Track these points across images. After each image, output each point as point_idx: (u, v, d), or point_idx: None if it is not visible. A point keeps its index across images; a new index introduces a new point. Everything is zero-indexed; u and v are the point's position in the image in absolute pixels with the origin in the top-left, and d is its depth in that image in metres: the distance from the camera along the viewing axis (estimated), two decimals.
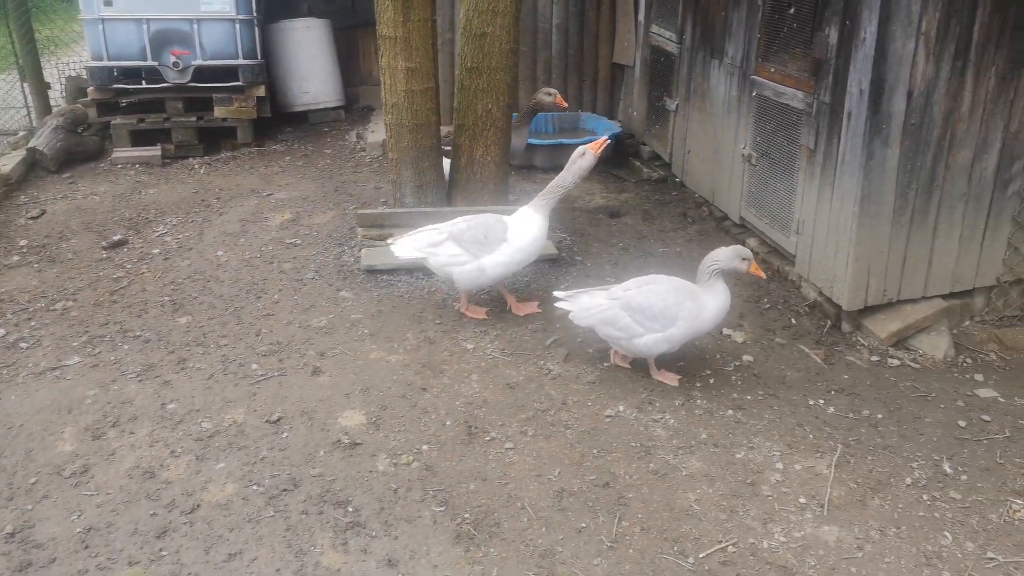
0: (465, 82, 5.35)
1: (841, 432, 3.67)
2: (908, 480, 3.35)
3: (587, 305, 3.97)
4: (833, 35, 4.24)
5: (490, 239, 4.35)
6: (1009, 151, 4.23)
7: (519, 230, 4.40)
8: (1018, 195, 4.34)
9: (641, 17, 7.25)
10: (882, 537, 3.03)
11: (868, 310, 4.50)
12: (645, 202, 6.48)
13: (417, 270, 5.08)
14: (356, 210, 5.73)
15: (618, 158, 7.48)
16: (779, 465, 3.45)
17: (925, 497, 3.25)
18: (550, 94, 6.09)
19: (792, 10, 4.68)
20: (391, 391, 3.94)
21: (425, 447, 3.55)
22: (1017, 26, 3.94)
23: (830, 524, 3.10)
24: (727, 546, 3.00)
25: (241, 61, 7.63)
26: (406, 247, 4.51)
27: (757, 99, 5.18)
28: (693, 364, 4.21)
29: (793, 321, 4.67)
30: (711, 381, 4.07)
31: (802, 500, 3.23)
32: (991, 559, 2.92)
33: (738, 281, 5.17)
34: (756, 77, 5.17)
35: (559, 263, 5.31)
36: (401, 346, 4.33)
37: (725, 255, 3.81)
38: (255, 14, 7.75)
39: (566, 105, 6.26)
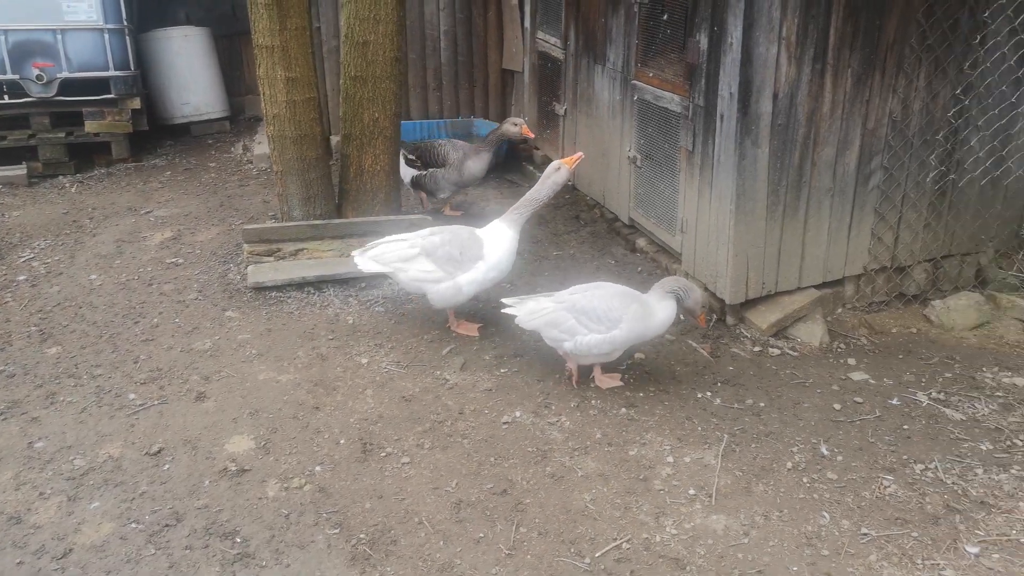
0: (350, 91, 5.26)
1: (727, 422, 3.81)
2: (789, 464, 3.51)
3: (533, 309, 3.98)
4: (704, 41, 4.41)
5: (466, 256, 4.22)
6: (868, 147, 4.51)
7: (493, 246, 4.27)
8: (879, 189, 4.63)
9: (527, 23, 7.34)
10: (766, 522, 3.16)
11: (749, 303, 4.70)
12: (541, 207, 6.54)
13: (308, 285, 4.95)
14: (242, 225, 5.52)
15: (511, 163, 7.53)
16: (670, 459, 3.54)
17: (805, 480, 3.42)
18: (516, 124, 5.87)
19: (666, 17, 4.84)
20: (282, 412, 3.81)
21: (318, 468, 3.45)
22: (868, 30, 4.21)
23: (718, 513, 3.21)
24: (621, 543, 3.06)
25: (113, 72, 7.24)
26: (369, 262, 4.35)
27: (638, 103, 5.33)
28: (587, 366, 4.28)
29: (681, 317, 4.81)
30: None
31: (692, 491, 3.33)
32: (865, 534, 3.09)
33: (629, 280, 5.30)
34: (636, 82, 5.32)
35: None
36: (292, 365, 4.20)
37: (695, 296, 3.92)
38: (126, 23, 7.36)
39: (532, 135, 6.10)
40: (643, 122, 5.33)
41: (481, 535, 3.10)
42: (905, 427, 3.77)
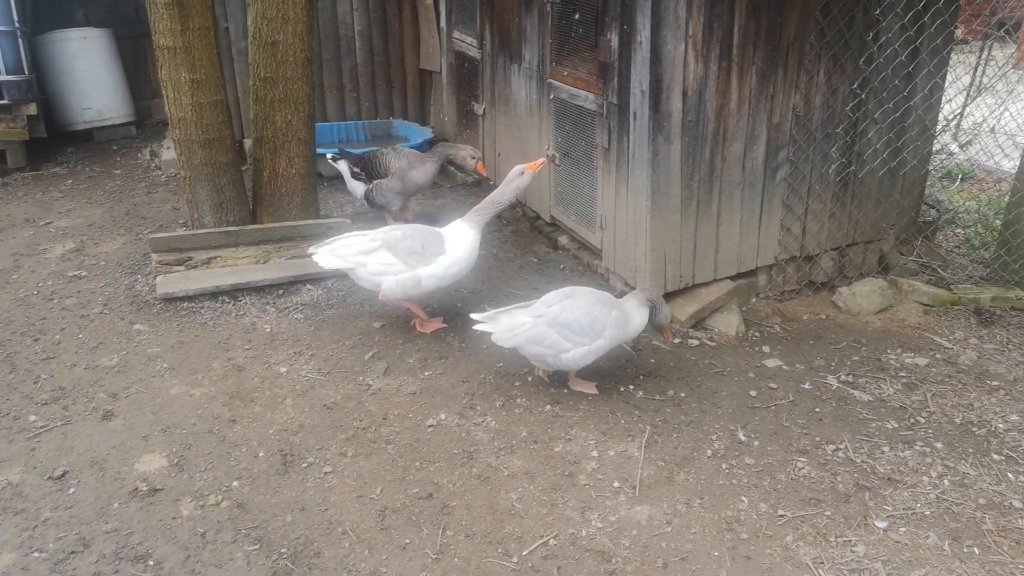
0: (260, 93, 5.11)
1: (649, 414, 3.88)
2: (709, 452, 3.60)
3: (510, 325, 3.81)
4: (615, 40, 4.47)
5: (427, 250, 4.25)
6: (774, 142, 4.66)
7: (455, 243, 4.29)
8: (786, 181, 4.80)
9: (443, 23, 7.30)
10: (688, 510, 3.23)
11: (668, 296, 4.78)
12: (461, 206, 6.51)
13: (222, 294, 4.78)
14: (150, 234, 5.30)
15: None
16: (595, 453, 3.58)
17: (724, 466, 3.51)
18: (474, 157, 5.61)
19: (577, 16, 4.89)
20: (196, 428, 3.67)
21: (235, 483, 3.34)
22: (770, 28, 4.35)
23: (642, 504, 3.26)
24: (548, 540, 3.07)
25: (5, 77, 6.85)
26: (328, 257, 4.29)
27: (555, 102, 5.37)
28: (513, 363, 4.28)
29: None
30: (529, 379, 4.16)
31: (616, 484, 3.38)
32: (781, 516, 3.19)
33: (552, 277, 5.34)
34: (552, 80, 5.35)
35: None
36: (206, 377, 4.05)
37: (664, 315, 4.00)
38: (18, 24, 6.97)
39: (485, 174, 5.96)
40: (560, 120, 5.37)
41: (407, 541, 3.06)
42: (817, 410, 3.92)
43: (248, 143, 6.80)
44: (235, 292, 4.81)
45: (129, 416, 3.73)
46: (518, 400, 3.97)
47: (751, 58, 4.37)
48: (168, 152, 7.29)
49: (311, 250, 4.40)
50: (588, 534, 3.10)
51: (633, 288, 4.83)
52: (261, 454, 3.52)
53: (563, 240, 5.72)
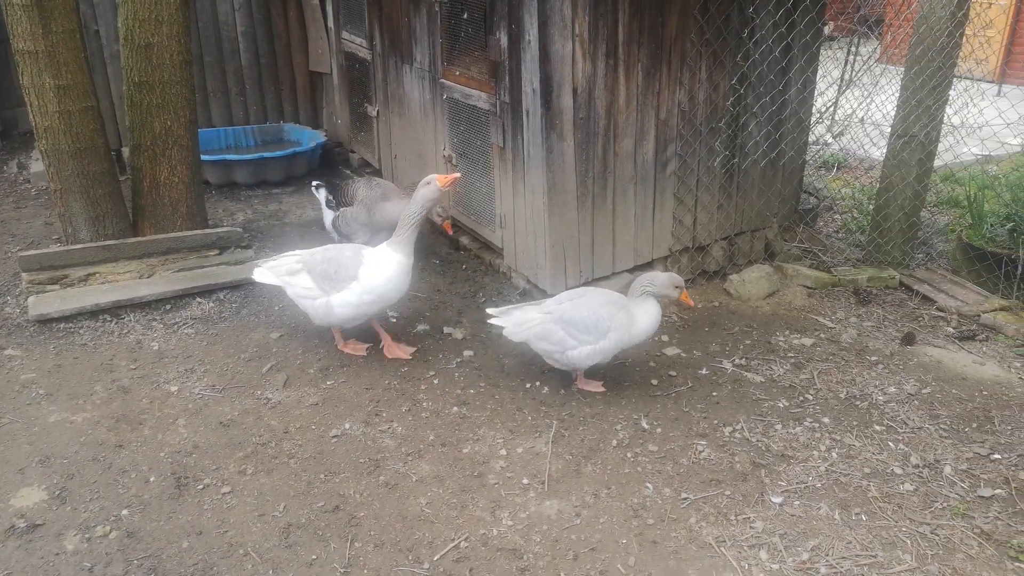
0: (135, 98, 4.84)
1: (555, 409, 3.91)
2: (614, 442, 3.66)
3: (520, 320, 3.88)
4: (504, 39, 4.49)
5: (340, 275, 3.97)
6: (663, 137, 4.81)
7: (373, 268, 3.98)
8: (675, 175, 4.96)
9: (331, 23, 7.14)
10: (596, 500, 3.28)
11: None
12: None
13: (103, 312, 4.50)
14: (20, 252, 4.92)
15: (328, 168, 7.32)
16: (503, 452, 3.58)
17: (629, 455, 3.58)
18: (441, 216, 4.88)
19: (466, 16, 4.88)
20: (78, 456, 3.43)
21: (125, 512, 3.14)
22: (652, 27, 4.48)
23: (551, 498, 3.29)
24: (460, 542, 3.04)
25: None
26: (264, 273, 4.20)
27: (448, 102, 5.34)
28: (417, 367, 4.23)
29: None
30: (435, 382, 4.12)
31: (525, 481, 3.39)
32: (685, 499, 3.29)
33: (455, 278, 5.32)
34: (445, 81, 5.32)
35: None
36: (88, 402, 3.80)
37: (660, 281, 3.83)
38: None
39: (452, 233, 5.37)
40: (455, 121, 5.35)
41: (314, 557, 2.96)
42: (714, 394, 4.06)
43: (126, 152, 6.45)
44: (117, 310, 4.53)
45: (2, 448, 3.45)
46: (424, 404, 3.92)
47: (636, 56, 4.49)
48: (37, 164, 6.80)
49: (256, 263, 4.30)
50: (499, 533, 3.10)
51: (536, 286, 4.87)
52: (152, 479, 3.33)
53: (465, 240, 5.71)
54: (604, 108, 4.48)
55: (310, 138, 7.26)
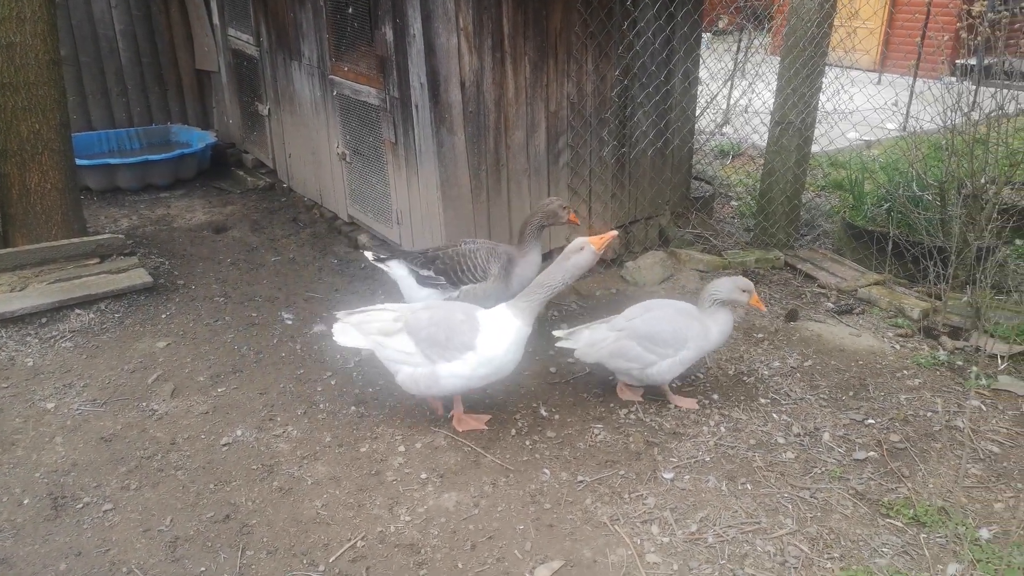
0: (0, 101, 4.55)
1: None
2: (513, 431, 3.69)
3: (592, 340, 3.68)
4: (389, 33, 4.45)
5: (452, 343, 3.38)
6: (554, 129, 4.88)
7: (492, 337, 3.39)
8: (568, 166, 5.04)
9: (216, 20, 6.90)
10: (494, 489, 3.30)
11: None
12: (253, 212, 6.22)
13: None
14: None
15: (220, 169, 7.08)
16: (401, 448, 3.56)
17: (527, 443, 3.62)
18: (564, 208, 4.25)
19: (351, 10, 4.81)
20: None
21: None
22: (537, 20, 4.53)
23: (449, 491, 3.29)
24: (356, 542, 3.00)
25: None
26: (347, 331, 3.59)
27: (339, 98, 5.25)
28: (312, 369, 4.15)
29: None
30: (332, 382, 4.05)
31: (424, 476, 3.38)
32: (581, 481, 3.35)
33: (354, 276, 5.24)
34: (334, 77, 5.23)
35: (157, 292, 4.84)
36: None
37: (725, 287, 3.69)
38: None
39: (578, 222, 4.48)
40: (346, 117, 5.27)
41: (203, 569, 2.86)
42: (611, 378, 4.14)
43: None
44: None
45: None
46: (321, 405, 3.85)
47: (523, 49, 4.53)
48: None
49: (336, 315, 3.65)
50: (397, 529, 3.07)
51: None
52: (26, 501, 3.14)
53: (363, 238, 5.63)
54: (493, 101, 4.50)
55: (199, 139, 7.00)
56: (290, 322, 4.63)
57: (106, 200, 6.27)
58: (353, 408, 3.84)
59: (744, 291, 3.70)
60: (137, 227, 5.75)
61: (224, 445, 3.53)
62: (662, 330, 3.63)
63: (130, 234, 5.56)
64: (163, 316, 4.58)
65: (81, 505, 3.15)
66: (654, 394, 3.94)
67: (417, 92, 4.37)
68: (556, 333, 3.84)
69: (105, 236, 4.94)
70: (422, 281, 4.15)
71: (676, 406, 3.87)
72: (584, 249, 3.36)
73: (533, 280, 3.57)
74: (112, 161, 6.32)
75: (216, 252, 5.44)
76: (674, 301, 3.84)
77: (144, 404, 3.79)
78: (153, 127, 7.31)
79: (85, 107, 6.96)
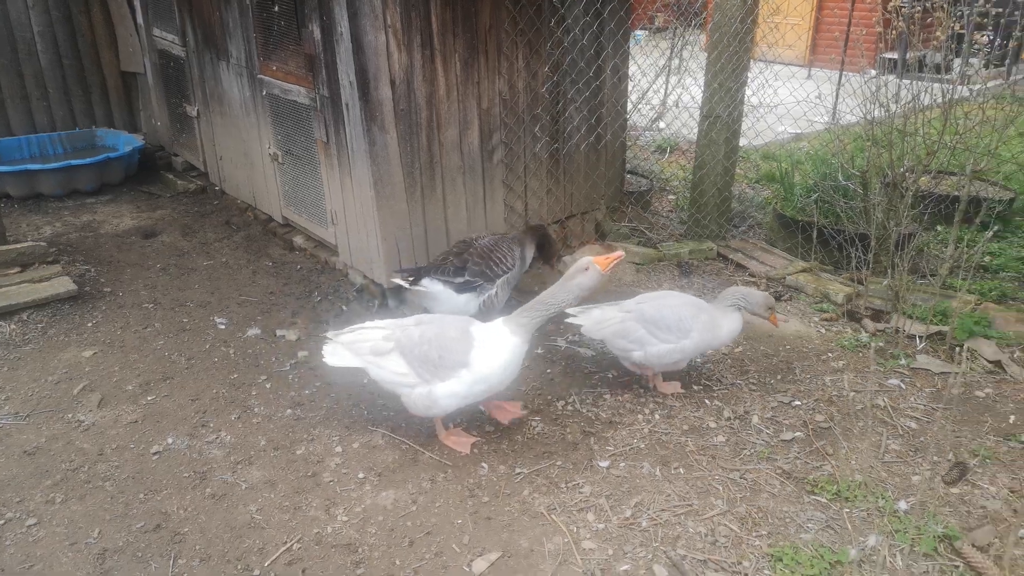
0: None
1: (393, 400, 3.89)
2: (452, 427, 3.70)
3: (599, 318, 3.80)
4: (317, 31, 4.41)
5: (445, 361, 3.28)
6: (487, 126, 4.89)
7: (486, 353, 3.29)
8: (503, 163, 5.06)
9: (140, 20, 6.72)
10: (432, 485, 3.31)
11: None
12: (184, 216, 6.08)
13: None
14: None
15: (148, 173, 6.89)
16: (339, 449, 3.53)
17: None
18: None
19: (277, 8, 4.74)
20: None
21: None
22: (466, 17, 4.54)
23: (387, 489, 3.28)
24: (292, 544, 2.98)
25: None
26: (338, 352, 3.47)
27: (268, 98, 5.18)
28: (247, 372, 4.09)
29: (344, 308, 4.83)
30: (267, 386, 4.00)
31: (361, 475, 3.36)
32: (519, 473, 3.38)
33: (289, 278, 5.18)
34: (263, 76, 5.15)
35: (83, 300, 4.69)
36: None
37: (756, 300, 3.81)
38: None
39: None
40: (277, 117, 5.20)
41: None
42: (548, 371, 4.20)
43: None
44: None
45: None
46: (256, 409, 3.80)
47: (453, 46, 4.54)
48: None
49: (326, 335, 3.58)
50: (334, 530, 3.06)
51: (373, 281, 4.83)
52: None
53: (299, 240, 5.56)
54: (425, 99, 4.50)
55: (126, 143, 6.80)
56: (223, 327, 4.55)
57: (28, 207, 6.04)
58: (289, 411, 3.79)
59: (769, 308, 3.87)
60: (61, 234, 5.56)
61: (154, 454, 3.45)
62: (667, 316, 3.74)
63: (53, 242, 5.38)
64: (89, 325, 4.44)
65: (3, 521, 3.04)
66: (698, 389, 4.01)
67: (347, 90, 4.33)
68: (568, 310, 3.81)
69: (26, 244, 4.77)
70: (461, 288, 4.23)
71: (658, 391, 3.97)
72: (589, 270, 3.26)
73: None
74: (33, 167, 6.09)
75: (145, 258, 5.30)
76: (685, 295, 3.95)
77: (70, 415, 3.68)
78: (77, 131, 7.07)
79: (3, 112, 6.70)
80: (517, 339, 3.31)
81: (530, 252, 4.68)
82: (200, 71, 6.02)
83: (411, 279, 4.23)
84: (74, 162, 6.23)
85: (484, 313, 4.31)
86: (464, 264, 4.24)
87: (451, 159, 4.77)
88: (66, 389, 3.86)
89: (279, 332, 4.49)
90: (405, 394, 3.40)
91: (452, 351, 3.28)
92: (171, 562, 2.88)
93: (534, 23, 4.83)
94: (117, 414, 3.71)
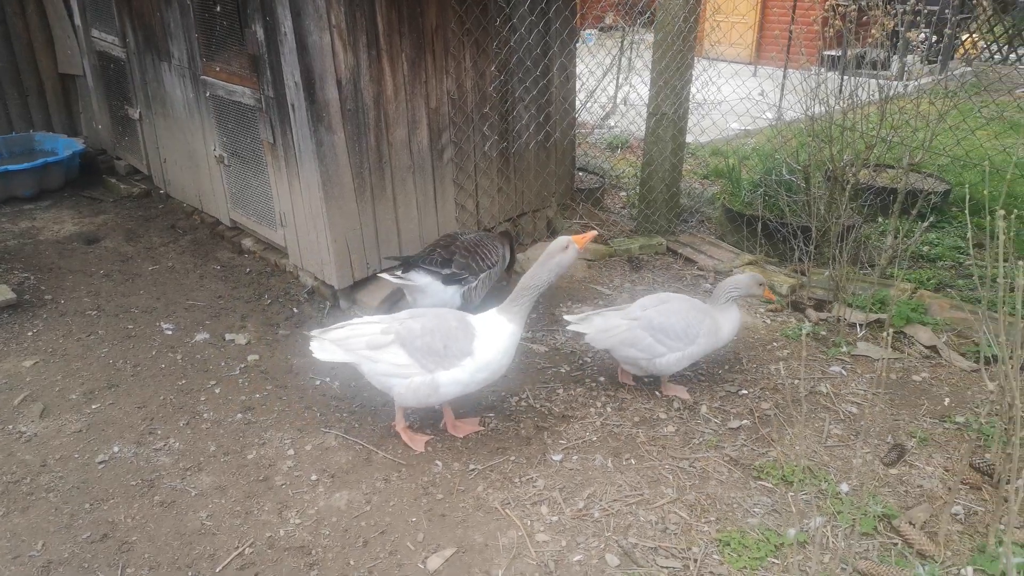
0: None
1: (347, 402, 3.89)
2: (406, 425, 3.71)
3: (603, 327, 3.74)
4: (260, 31, 4.35)
5: (451, 350, 3.35)
6: (436, 125, 4.90)
7: (487, 341, 3.39)
8: (453, 162, 5.07)
9: (78, 21, 6.54)
10: (386, 485, 3.31)
11: (359, 284, 4.83)
12: (128, 221, 5.95)
13: None
14: None
15: (91, 177, 6.72)
16: (291, 451, 3.50)
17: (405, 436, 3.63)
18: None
19: (219, 8, 4.67)
20: None
21: None
22: (412, 17, 4.54)
23: (341, 490, 3.27)
24: (244, 549, 2.95)
25: None
26: (329, 347, 3.44)
27: (212, 99, 5.09)
28: (196, 378, 4.03)
29: (295, 310, 4.79)
30: (217, 391, 3.94)
31: (314, 477, 3.34)
32: (473, 469, 3.40)
33: (238, 282, 5.11)
34: (206, 77, 5.07)
35: (22, 308, 4.56)
36: None
37: (744, 283, 3.85)
38: None
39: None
40: (222, 119, 5.12)
41: None
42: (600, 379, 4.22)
43: None
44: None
45: None
46: (205, 415, 3.74)
47: (399, 46, 4.53)
48: None
49: (310, 334, 3.53)
50: (286, 533, 3.03)
51: (323, 281, 4.80)
52: None
53: (248, 243, 5.49)
54: (372, 98, 4.48)
55: (66, 146, 6.61)
56: (170, 332, 4.47)
57: None
58: (240, 415, 3.75)
59: (760, 284, 3.90)
60: None
61: (100, 463, 3.38)
62: (675, 324, 3.71)
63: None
64: (29, 334, 4.33)
65: None
66: (649, 382, 4.06)
67: (292, 91, 4.29)
68: (567, 317, 3.91)
69: None
70: (447, 280, 4.31)
71: (664, 394, 3.94)
72: (568, 248, 3.37)
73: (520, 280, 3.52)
74: None
75: (87, 264, 5.17)
76: (685, 296, 3.93)
77: (10, 427, 3.58)
78: (14, 136, 6.85)
79: None
80: (513, 326, 3.44)
81: (507, 254, 4.79)
82: (142, 73, 5.89)
83: (399, 274, 4.29)
84: (11, 167, 6.04)
85: (463, 307, 4.37)
86: (451, 256, 4.33)
87: (400, 159, 4.76)
88: (5, 400, 3.76)
89: (228, 336, 4.43)
90: (402, 385, 3.40)
91: (457, 339, 3.37)
92: (119, 572, 2.83)
93: (480, 22, 4.85)
94: (60, 424, 3.62)
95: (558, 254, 3.36)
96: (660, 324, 3.72)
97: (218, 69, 4.94)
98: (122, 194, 6.41)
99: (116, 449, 3.47)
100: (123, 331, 4.44)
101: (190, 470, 3.37)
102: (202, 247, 5.53)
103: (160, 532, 3.02)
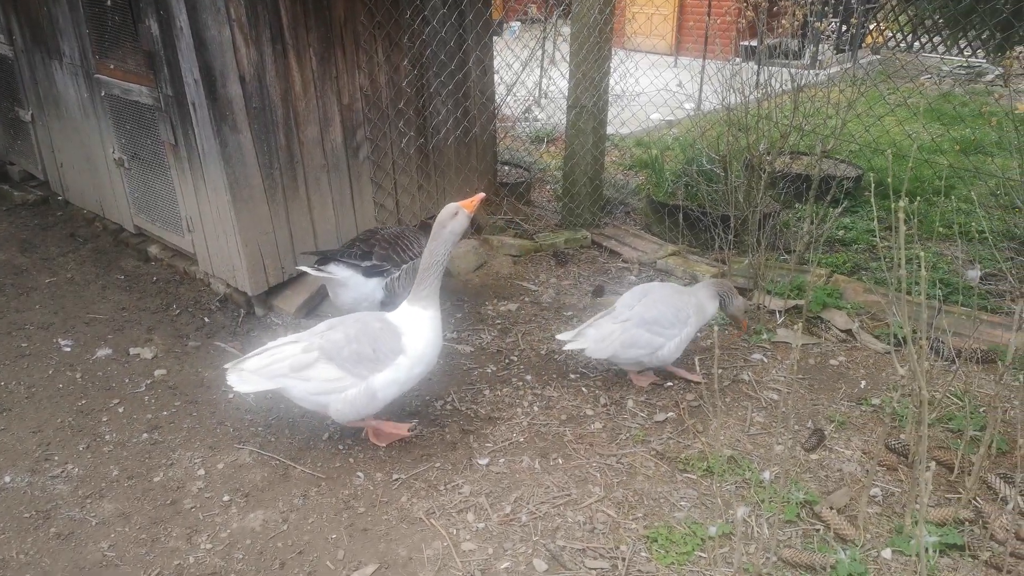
0: None
1: (262, 415, 3.71)
2: (326, 436, 3.56)
3: (599, 336, 3.69)
4: (154, 27, 4.10)
5: (381, 352, 3.22)
6: (349, 122, 4.73)
7: (414, 334, 3.27)
8: (369, 160, 4.92)
9: None
10: (305, 502, 3.16)
11: (274, 290, 4.63)
12: (22, 230, 5.57)
13: None
14: None
15: None
16: (201, 471, 3.31)
17: (341, 447, 3.49)
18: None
19: (109, 2, 4.39)
20: None
21: None
22: (318, 10, 4.36)
23: (256, 510, 3.11)
24: None
25: None
26: (251, 378, 3.18)
27: (108, 99, 4.79)
28: (97, 397, 3.77)
29: (207, 320, 4.56)
30: (120, 410, 3.70)
31: (226, 498, 3.17)
32: (396, 479, 3.28)
33: (145, 292, 4.84)
34: (100, 76, 4.77)
35: None
36: None
37: (737, 305, 3.96)
38: None
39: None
40: (119, 119, 4.82)
41: None
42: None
43: None
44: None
45: None
46: (107, 437, 3.51)
47: (306, 40, 4.34)
48: None
49: (225, 367, 3.26)
50: (196, 560, 2.86)
51: (235, 288, 4.58)
52: None
53: (154, 250, 5.21)
54: (280, 96, 4.29)
55: None
56: (68, 349, 4.18)
57: None
58: (145, 435, 3.53)
59: (745, 313, 4.12)
60: None
61: None
62: (665, 312, 3.74)
63: None
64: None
65: None
66: (665, 376, 4.02)
67: (192, 89, 4.06)
68: (560, 337, 3.84)
69: None
70: (368, 272, 4.17)
71: (692, 381, 3.95)
72: (457, 215, 3.27)
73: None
74: None
75: None
76: (662, 283, 3.97)
77: None
78: None
79: None
80: (431, 311, 3.34)
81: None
82: (31, 71, 5.51)
83: (317, 263, 4.13)
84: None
85: (388, 300, 4.24)
86: (371, 249, 4.23)
87: (314, 158, 4.58)
88: None
89: (133, 351, 4.18)
90: (338, 400, 3.25)
91: (384, 340, 3.26)
92: None
93: (392, 15, 4.71)
94: None
95: (449, 222, 3.26)
96: (652, 317, 3.73)
97: (113, 67, 4.64)
98: (16, 202, 6.00)
99: (7, 479, 3.22)
100: (16, 350, 4.14)
101: (90, 497, 3.14)
102: (104, 256, 5.22)
103: (56, 567, 2.80)
